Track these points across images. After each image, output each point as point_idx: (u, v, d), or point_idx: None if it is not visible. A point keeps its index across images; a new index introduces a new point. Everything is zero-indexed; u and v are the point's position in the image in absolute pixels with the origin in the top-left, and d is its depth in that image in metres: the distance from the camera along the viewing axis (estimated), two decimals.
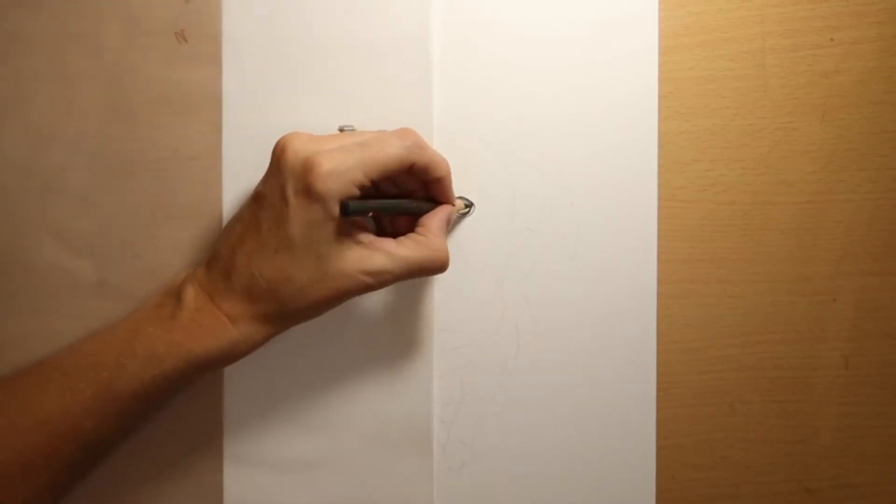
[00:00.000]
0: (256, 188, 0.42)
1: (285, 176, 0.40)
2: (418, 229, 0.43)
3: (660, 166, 0.47)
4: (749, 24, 0.47)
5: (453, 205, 0.45)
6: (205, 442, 0.47)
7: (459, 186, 0.47)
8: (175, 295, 0.43)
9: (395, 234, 0.44)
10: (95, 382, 0.41)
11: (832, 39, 0.47)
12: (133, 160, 0.47)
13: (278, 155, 0.41)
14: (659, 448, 0.48)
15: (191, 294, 0.42)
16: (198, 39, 0.47)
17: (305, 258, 0.40)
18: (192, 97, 0.47)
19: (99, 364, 0.42)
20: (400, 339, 0.47)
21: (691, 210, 0.48)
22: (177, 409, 0.47)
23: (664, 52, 0.47)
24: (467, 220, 0.47)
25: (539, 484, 0.48)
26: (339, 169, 0.39)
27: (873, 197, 0.47)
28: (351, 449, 0.48)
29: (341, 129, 0.45)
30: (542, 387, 0.48)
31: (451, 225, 0.46)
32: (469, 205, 0.47)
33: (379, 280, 0.41)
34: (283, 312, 0.41)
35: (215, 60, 0.47)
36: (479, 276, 0.48)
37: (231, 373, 0.47)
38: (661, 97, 0.47)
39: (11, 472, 0.41)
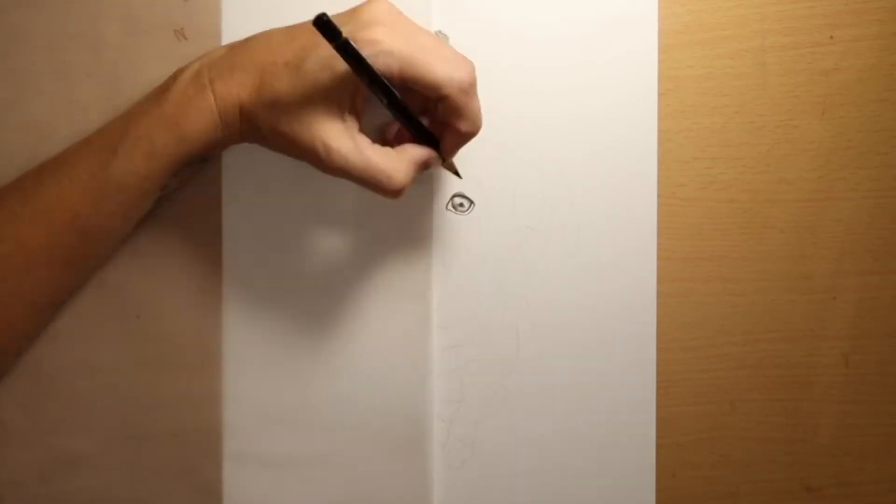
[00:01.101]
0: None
1: (350, 19, 0.40)
2: (397, 148, 0.43)
3: (660, 164, 0.47)
4: (749, 22, 0.47)
5: (445, 159, 0.44)
6: (204, 442, 0.47)
7: (460, 185, 0.47)
8: (174, 76, 0.43)
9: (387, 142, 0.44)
10: (90, 168, 0.42)
11: (832, 37, 0.47)
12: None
13: (365, 4, 0.41)
14: (659, 447, 0.48)
15: (191, 69, 0.42)
16: (197, 37, 0.47)
17: (297, 86, 0.40)
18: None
19: (94, 149, 0.42)
20: (400, 338, 0.47)
21: (691, 208, 0.48)
22: (177, 408, 0.47)
23: (664, 50, 0.47)
24: (467, 220, 0.47)
25: (539, 482, 0.48)
26: (384, 47, 0.39)
27: (873, 195, 0.47)
28: (350, 447, 0.48)
29: (437, 32, 0.45)
30: (541, 385, 0.48)
31: (424, 168, 0.44)
32: (469, 203, 0.47)
33: (329, 157, 0.40)
34: (252, 115, 0.41)
35: None
36: (479, 275, 0.48)
37: (231, 372, 0.47)
38: (661, 95, 0.47)
39: (14, 263, 0.42)
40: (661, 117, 0.47)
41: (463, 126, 0.42)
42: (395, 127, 0.44)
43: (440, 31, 0.45)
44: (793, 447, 0.48)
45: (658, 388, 0.47)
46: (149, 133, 0.41)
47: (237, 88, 0.41)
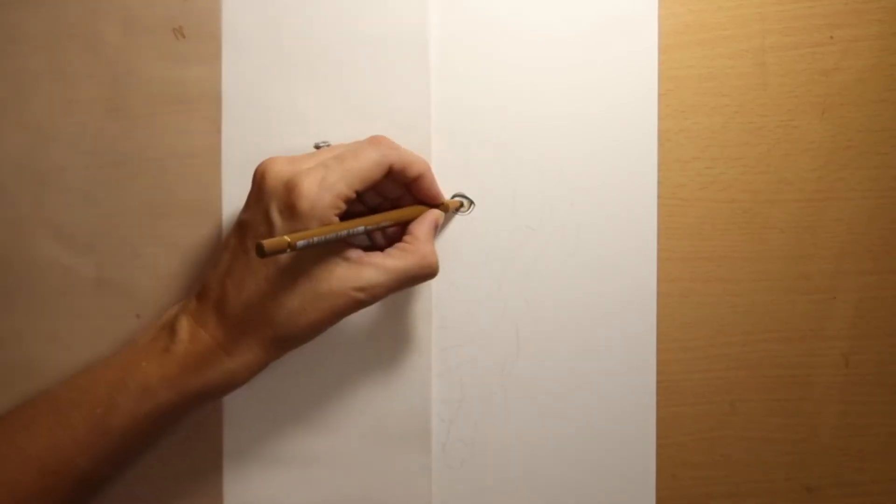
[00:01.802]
0: (239, 217, 0.42)
1: (268, 200, 0.40)
2: (405, 237, 0.43)
3: (660, 165, 0.47)
4: (749, 22, 0.47)
5: (441, 202, 0.45)
6: (205, 441, 0.47)
7: (460, 185, 0.47)
8: (169, 328, 0.42)
9: (388, 244, 0.44)
10: (88, 419, 0.41)
11: (832, 37, 0.47)
12: (132, 158, 0.47)
13: (259, 181, 0.41)
14: (659, 447, 0.47)
15: (185, 326, 0.41)
16: (197, 37, 0.47)
17: (296, 282, 0.40)
18: (191, 95, 0.47)
19: (91, 399, 0.41)
20: (399, 338, 0.47)
21: (691, 208, 0.48)
22: None
23: (664, 50, 0.47)
24: (467, 220, 0.47)
25: (539, 482, 0.48)
26: (322, 185, 0.39)
27: (873, 195, 0.47)
28: (350, 447, 0.47)
29: (317, 147, 0.45)
30: (541, 385, 0.48)
31: (440, 226, 0.46)
32: (469, 203, 0.47)
33: (371, 294, 0.41)
34: (278, 338, 0.41)
35: (215, 58, 0.47)
36: (479, 275, 0.48)
37: None
38: (661, 95, 0.47)
39: None
40: (661, 117, 0.47)
41: (417, 170, 0.43)
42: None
43: (318, 142, 0.46)
44: (793, 447, 0.48)
45: (658, 388, 0.47)
46: (152, 390, 0.41)
47: (255, 340, 0.41)
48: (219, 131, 0.47)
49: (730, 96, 0.47)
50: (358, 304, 0.41)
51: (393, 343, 0.47)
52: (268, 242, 0.35)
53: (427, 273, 0.42)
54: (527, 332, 0.48)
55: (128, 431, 0.41)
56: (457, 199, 0.47)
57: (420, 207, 0.45)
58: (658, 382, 0.47)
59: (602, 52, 0.47)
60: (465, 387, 0.48)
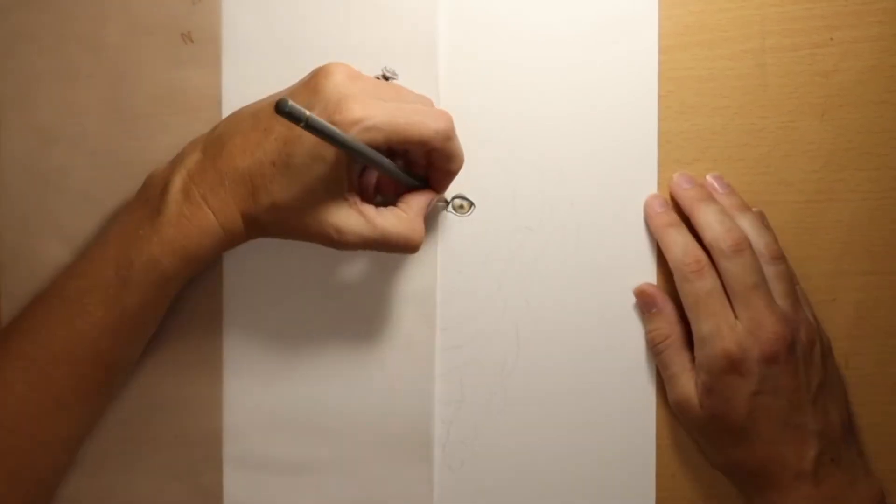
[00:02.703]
0: (277, 94, 0.42)
1: (316, 101, 0.40)
2: (400, 205, 0.43)
3: (660, 166, 0.47)
4: (749, 24, 0.47)
5: (442, 191, 0.45)
6: (205, 444, 0.47)
7: (460, 186, 0.47)
8: (161, 187, 0.42)
9: (371, 189, 0.44)
10: (104, 301, 0.41)
11: (832, 39, 0.47)
12: (135, 160, 0.47)
13: (319, 78, 0.40)
14: (659, 447, 0.47)
15: (178, 185, 0.41)
16: (204, 41, 0.47)
17: (294, 184, 0.40)
18: (192, 98, 0.47)
19: (100, 282, 0.41)
20: (400, 339, 0.47)
21: None
22: (177, 411, 0.47)
23: (664, 51, 0.47)
24: (467, 221, 0.48)
25: (539, 483, 0.48)
26: (366, 123, 0.39)
27: (873, 196, 0.47)
28: (351, 449, 0.48)
29: (384, 73, 0.45)
30: (542, 386, 0.48)
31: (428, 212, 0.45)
32: (469, 204, 0.47)
33: (344, 239, 0.41)
34: (254, 218, 0.41)
35: (216, 62, 0.47)
36: (480, 276, 0.48)
37: (230, 373, 0.47)
38: (661, 96, 0.47)
39: (45, 406, 0.42)
40: (662, 118, 0.47)
41: (453, 166, 0.43)
42: (374, 176, 0.45)
43: (386, 68, 0.45)
44: None
45: (658, 387, 0.47)
46: (155, 260, 0.41)
47: (233, 200, 0.41)
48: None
49: (730, 97, 0.47)
50: (329, 241, 0.41)
51: (395, 344, 0.47)
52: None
53: (409, 247, 0.42)
54: (527, 333, 0.48)
55: (142, 304, 0.42)
56: (458, 199, 0.47)
57: (425, 184, 0.45)
58: (658, 383, 0.47)
59: (602, 52, 0.47)
60: (465, 387, 0.48)
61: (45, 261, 0.47)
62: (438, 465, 0.48)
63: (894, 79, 0.47)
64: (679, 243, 0.45)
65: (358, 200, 0.42)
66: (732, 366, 0.42)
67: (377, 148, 0.40)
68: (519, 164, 0.47)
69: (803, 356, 0.43)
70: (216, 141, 0.42)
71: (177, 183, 0.41)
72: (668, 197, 0.47)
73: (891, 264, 0.47)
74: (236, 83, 0.47)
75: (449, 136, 0.41)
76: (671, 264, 0.45)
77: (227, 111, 0.47)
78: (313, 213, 0.40)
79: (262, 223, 0.41)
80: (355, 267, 0.47)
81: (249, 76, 0.47)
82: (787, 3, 0.47)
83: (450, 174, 0.44)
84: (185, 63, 0.47)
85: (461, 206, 0.47)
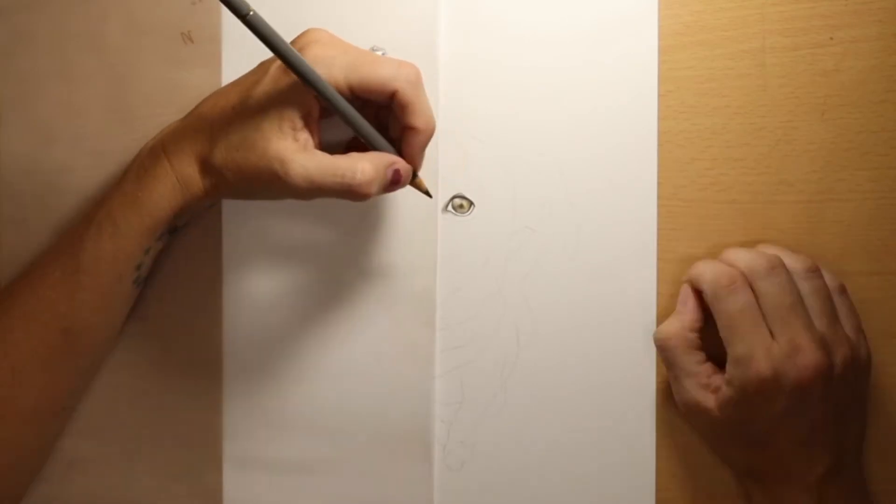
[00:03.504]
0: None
1: (292, 42, 0.41)
2: (356, 150, 0.42)
3: (660, 165, 0.47)
4: (749, 23, 0.47)
5: (414, 167, 0.43)
6: (205, 444, 0.47)
7: (460, 186, 0.47)
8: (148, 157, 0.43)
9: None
10: (61, 262, 0.42)
11: (832, 38, 0.47)
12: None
13: (301, 35, 0.41)
14: (659, 447, 0.47)
15: (147, 146, 0.43)
16: (205, 41, 0.47)
17: (247, 123, 0.40)
18: (193, 98, 0.47)
19: (62, 245, 0.43)
20: (400, 339, 0.47)
21: (691, 209, 0.48)
22: (177, 411, 0.47)
23: (664, 50, 0.47)
24: (467, 221, 0.47)
25: (539, 484, 0.48)
26: (324, 61, 0.39)
27: (873, 196, 0.47)
28: (351, 450, 0.48)
29: (372, 48, 0.45)
30: (542, 386, 0.48)
31: (394, 181, 0.42)
32: (469, 204, 0.47)
33: (288, 173, 0.40)
34: (208, 162, 0.41)
35: (216, 61, 0.47)
36: (479, 276, 0.48)
37: (230, 373, 0.47)
38: (661, 96, 0.47)
39: (1, 374, 0.42)
40: (662, 118, 0.47)
41: (418, 121, 0.41)
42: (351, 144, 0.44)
43: (375, 47, 0.45)
44: None
45: (658, 388, 0.47)
46: (110, 213, 0.42)
47: (190, 147, 0.41)
48: None
49: (730, 97, 0.47)
50: (276, 178, 0.40)
51: (394, 345, 0.47)
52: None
53: (351, 183, 0.40)
54: (527, 334, 0.48)
55: (97, 263, 0.42)
56: (458, 199, 0.47)
57: (388, 146, 0.43)
58: (658, 383, 0.47)
59: (602, 52, 0.47)
60: (465, 388, 0.48)
61: None
62: (438, 465, 0.48)
63: (894, 79, 0.47)
64: (709, 268, 0.44)
65: (311, 143, 0.41)
66: (764, 389, 0.42)
67: (339, 90, 0.40)
68: (519, 164, 0.47)
69: (838, 378, 0.42)
70: (195, 108, 0.43)
71: (148, 144, 0.43)
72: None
73: (891, 264, 0.47)
74: None
75: (412, 81, 0.41)
76: (705, 290, 0.44)
77: None
78: (261, 149, 0.40)
79: (216, 166, 0.41)
80: (356, 268, 0.47)
81: None
82: (787, 2, 0.47)
83: (416, 133, 0.41)
84: (186, 63, 0.47)
85: (461, 206, 0.47)
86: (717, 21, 0.47)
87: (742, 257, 0.44)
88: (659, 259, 0.47)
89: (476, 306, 0.48)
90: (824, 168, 0.47)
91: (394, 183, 0.42)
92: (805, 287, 0.43)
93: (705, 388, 0.44)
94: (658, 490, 0.48)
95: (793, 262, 0.44)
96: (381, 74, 0.40)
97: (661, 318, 0.47)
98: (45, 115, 0.47)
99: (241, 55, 0.47)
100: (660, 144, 0.47)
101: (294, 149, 0.40)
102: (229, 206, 0.47)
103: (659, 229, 0.47)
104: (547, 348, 0.48)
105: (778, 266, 0.43)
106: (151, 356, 0.47)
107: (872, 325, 0.47)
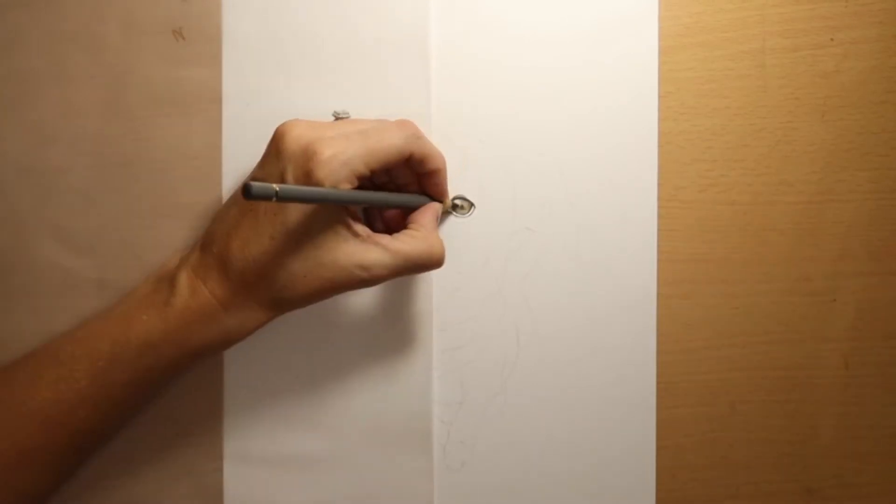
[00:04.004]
0: (253, 173, 0.41)
1: (285, 162, 0.39)
2: (411, 225, 0.43)
3: (660, 166, 0.47)
4: (749, 24, 0.47)
5: (445, 200, 0.46)
6: (205, 440, 0.47)
7: (459, 187, 0.47)
8: (169, 280, 0.42)
9: (384, 229, 0.45)
10: (90, 371, 0.41)
11: (832, 39, 0.47)
12: (133, 159, 0.47)
13: (277, 140, 0.40)
14: (659, 448, 0.47)
15: (184, 280, 0.41)
16: (198, 38, 0.47)
17: (301, 247, 0.40)
18: (192, 96, 0.47)
19: (93, 352, 0.41)
20: (400, 339, 0.47)
21: (691, 210, 0.48)
22: (176, 407, 0.47)
23: (664, 51, 0.47)
24: (467, 221, 0.47)
25: (539, 484, 0.48)
26: (341, 158, 0.39)
27: (873, 197, 0.47)
28: (351, 448, 0.48)
29: (336, 115, 0.45)
30: (542, 387, 0.48)
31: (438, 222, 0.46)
32: (469, 204, 0.47)
33: (373, 274, 0.40)
34: (276, 300, 0.41)
35: (215, 59, 0.47)
36: (479, 276, 0.48)
37: (231, 371, 0.47)
38: (661, 97, 0.47)
39: (8, 461, 0.41)
40: (662, 119, 0.47)
41: (437, 164, 0.44)
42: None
43: (336, 111, 0.45)
44: (793, 449, 0.48)
45: (658, 389, 0.47)
46: (153, 346, 0.41)
47: (245, 291, 0.41)
48: (219, 133, 0.47)
49: (730, 98, 0.47)
50: (359, 282, 0.40)
51: (394, 345, 0.47)
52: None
53: (434, 261, 0.42)
54: (527, 334, 0.48)
55: (129, 384, 0.41)
56: (458, 200, 0.47)
57: (421, 197, 0.45)
58: (658, 383, 0.47)
59: (602, 53, 0.47)
60: (465, 388, 0.48)
61: (43, 262, 0.47)
62: (438, 465, 0.48)
63: (895, 79, 0.47)
64: None
65: (370, 233, 0.41)
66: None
67: (362, 181, 0.40)
68: (519, 164, 0.47)
69: None
70: (210, 237, 0.42)
71: (182, 278, 0.41)
72: None
73: (891, 264, 0.47)
74: (237, 80, 0.47)
75: (417, 135, 0.42)
76: None
77: (227, 109, 0.47)
78: (334, 265, 0.40)
79: (288, 300, 0.41)
80: None
81: (250, 73, 0.47)
82: (787, 3, 0.47)
83: (437, 175, 0.44)
84: (184, 61, 0.47)
85: (461, 206, 0.47)
86: (718, 22, 0.47)
87: None
88: (659, 259, 0.47)
89: (476, 306, 0.48)
90: (824, 169, 0.47)
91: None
92: None
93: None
94: (658, 490, 0.48)
95: None
96: (394, 147, 0.41)
97: (661, 320, 0.47)
98: (42, 115, 0.47)
99: (241, 53, 0.47)
100: (660, 145, 0.47)
101: (365, 249, 0.40)
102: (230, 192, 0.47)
103: (659, 229, 0.47)
104: (547, 348, 0.48)
105: None
106: None
107: (872, 325, 0.47)
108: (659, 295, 0.47)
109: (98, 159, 0.47)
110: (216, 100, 0.47)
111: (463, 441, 0.48)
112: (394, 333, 0.47)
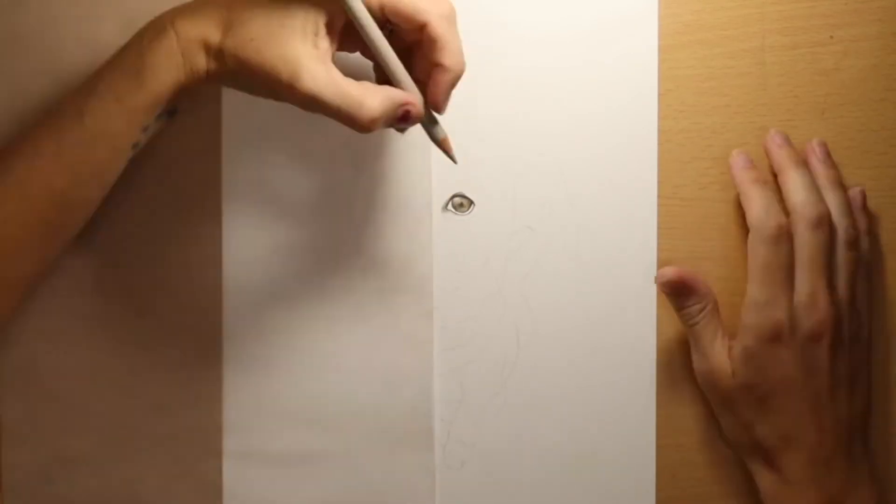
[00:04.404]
0: None
1: None
2: (375, 82, 0.41)
3: (660, 165, 0.47)
4: (749, 22, 0.47)
5: (436, 107, 0.41)
6: (204, 438, 0.47)
7: (460, 186, 0.47)
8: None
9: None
10: (60, 135, 0.40)
11: (832, 37, 0.47)
12: (131, 158, 0.47)
13: None
14: (659, 447, 0.48)
15: (153, 20, 0.41)
16: None
17: (271, 14, 0.39)
18: (191, 92, 0.46)
19: (61, 117, 0.41)
20: (398, 330, 0.47)
21: (691, 208, 0.48)
22: (176, 404, 0.47)
23: (664, 50, 0.47)
24: (467, 220, 0.47)
25: (539, 483, 0.48)
26: None
27: (874, 195, 0.47)
28: (352, 440, 0.47)
29: None
30: (542, 386, 0.48)
31: (403, 117, 0.41)
32: (469, 203, 0.47)
33: (299, 82, 0.38)
34: (219, 55, 0.39)
35: None
36: (479, 276, 0.48)
37: (231, 368, 0.47)
38: (661, 95, 0.47)
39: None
40: (662, 117, 0.47)
41: (447, 59, 0.40)
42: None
43: None
44: None
45: (658, 388, 0.47)
46: (112, 87, 0.40)
47: (203, 25, 0.39)
48: (219, 129, 0.47)
49: (730, 96, 0.47)
50: (283, 81, 0.38)
51: (394, 344, 0.47)
52: None
53: (355, 114, 0.39)
54: (527, 333, 0.48)
55: (97, 139, 0.40)
56: (458, 198, 0.47)
57: (403, 90, 0.41)
58: (658, 382, 0.47)
59: (602, 52, 0.47)
60: (465, 388, 0.48)
61: None
62: (438, 464, 0.48)
63: (894, 77, 0.47)
64: (763, 202, 0.44)
65: (328, 56, 0.40)
66: (779, 336, 0.43)
67: (372, 13, 0.39)
68: (519, 164, 0.47)
69: (848, 346, 0.44)
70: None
71: (154, 20, 0.41)
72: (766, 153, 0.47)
73: (891, 264, 0.47)
74: None
75: (446, 15, 0.40)
76: (750, 220, 0.45)
77: (227, 104, 0.46)
78: (275, 46, 0.38)
79: (225, 51, 0.39)
80: (353, 260, 0.47)
81: None
82: (786, 1, 0.47)
83: (445, 73, 0.40)
84: None
85: (461, 205, 0.47)
86: (717, 20, 0.47)
87: (795, 194, 0.44)
88: (659, 259, 0.47)
89: (476, 306, 0.48)
90: None
91: (402, 121, 0.41)
92: (841, 255, 0.44)
93: (728, 351, 0.45)
94: (658, 490, 0.48)
95: (839, 225, 0.44)
96: (416, 5, 0.39)
97: (661, 318, 0.47)
98: (39, 114, 0.47)
99: None
100: (660, 144, 0.47)
101: (312, 55, 0.39)
102: (229, 199, 0.47)
103: (659, 229, 0.47)
104: (547, 348, 0.48)
105: (824, 224, 0.44)
106: (151, 351, 0.47)
107: (873, 325, 0.47)
108: (659, 294, 0.47)
109: None
110: (216, 97, 0.46)
111: (463, 440, 0.48)
112: (392, 324, 0.47)
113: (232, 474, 0.47)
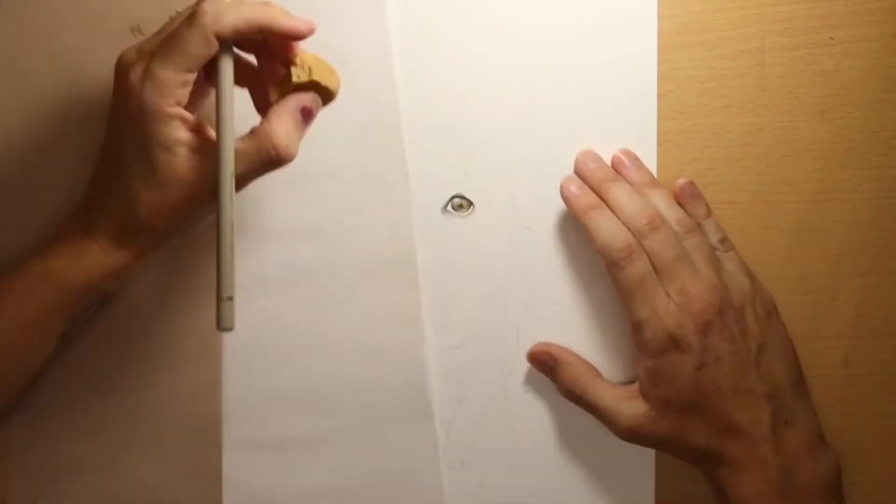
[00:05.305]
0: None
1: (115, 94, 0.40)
2: (262, 121, 0.40)
3: (659, 165, 0.47)
4: (748, 23, 0.47)
5: (292, 57, 0.40)
6: (203, 423, 0.47)
7: (459, 186, 0.47)
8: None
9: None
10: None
11: (832, 38, 0.47)
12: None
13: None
14: None
15: (66, 225, 0.42)
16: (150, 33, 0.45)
17: (141, 171, 0.39)
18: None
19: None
20: (386, 304, 0.47)
21: None
22: (175, 390, 0.47)
23: (663, 50, 0.47)
24: (467, 221, 0.47)
25: (538, 483, 0.48)
26: (149, 79, 0.38)
27: (873, 196, 0.47)
28: (351, 420, 0.48)
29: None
30: (541, 386, 0.48)
31: (308, 118, 0.40)
32: (468, 204, 0.47)
33: (210, 197, 0.39)
34: (137, 227, 0.40)
35: None
36: (479, 276, 0.48)
37: (230, 361, 0.47)
38: (661, 96, 0.47)
39: None
40: (661, 118, 0.47)
41: (286, 22, 0.39)
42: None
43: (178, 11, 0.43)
44: None
45: None
46: (29, 287, 0.41)
47: (108, 219, 0.41)
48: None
49: (729, 97, 0.47)
50: (201, 196, 0.39)
51: (393, 343, 0.47)
52: None
53: (273, 157, 0.39)
54: (527, 333, 0.48)
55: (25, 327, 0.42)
56: (457, 199, 0.47)
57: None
58: None
59: (602, 52, 0.47)
60: (464, 387, 0.48)
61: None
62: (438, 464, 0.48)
63: (894, 78, 0.47)
64: (604, 228, 0.44)
65: (204, 139, 0.39)
66: (674, 344, 0.42)
67: (186, 84, 0.38)
68: (519, 164, 0.47)
69: (736, 321, 0.43)
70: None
71: (66, 223, 0.43)
72: (579, 177, 0.47)
73: (891, 264, 0.47)
74: None
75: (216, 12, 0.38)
76: (599, 250, 0.44)
77: None
78: (175, 182, 0.39)
79: (146, 226, 0.40)
80: (353, 265, 0.47)
81: None
82: (786, 2, 0.47)
83: (284, 33, 0.39)
84: None
85: (461, 206, 0.47)
86: (717, 21, 0.47)
87: (621, 210, 0.44)
88: None
89: (476, 306, 0.48)
90: (824, 168, 0.47)
91: (307, 119, 0.40)
92: (687, 244, 0.44)
93: (629, 399, 0.44)
94: (658, 490, 0.48)
95: (671, 219, 0.44)
96: (196, 38, 0.38)
97: None
98: (2, 119, 0.46)
99: None
100: (659, 144, 0.47)
101: (201, 158, 0.39)
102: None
103: None
104: None
105: (658, 223, 0.43)
106: (151, 345, 0.47)
107: (873, 326, 0.47)
108: None
109: (66, 160, 0.46)
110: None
111: (463, 440, 0.48)
112: (380, 299, 0.47)
113: (231, 460, 0.47)
